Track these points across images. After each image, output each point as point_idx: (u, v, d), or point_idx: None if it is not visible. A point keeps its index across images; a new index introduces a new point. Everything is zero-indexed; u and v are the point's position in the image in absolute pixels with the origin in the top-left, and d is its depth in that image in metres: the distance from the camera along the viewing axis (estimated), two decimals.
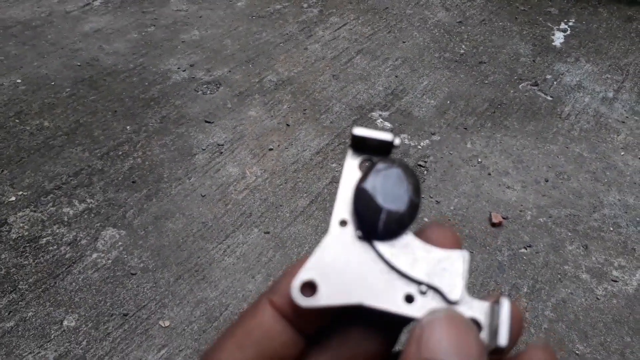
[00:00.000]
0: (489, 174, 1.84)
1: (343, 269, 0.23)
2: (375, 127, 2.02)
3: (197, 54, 2.36)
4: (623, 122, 2.08)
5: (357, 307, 0.23)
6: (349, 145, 0.26)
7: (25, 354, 1.30)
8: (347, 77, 2.27)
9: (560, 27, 2.69)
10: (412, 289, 0.23)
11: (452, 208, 1.71)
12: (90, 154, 1.85)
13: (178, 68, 2.27)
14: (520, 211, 1.70)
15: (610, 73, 2.36)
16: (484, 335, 0.22)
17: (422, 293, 0.23)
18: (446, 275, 0.23)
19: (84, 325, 1.37)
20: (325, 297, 0.23)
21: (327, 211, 1.69)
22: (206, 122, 2.00)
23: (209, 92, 2.15)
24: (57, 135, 1.91)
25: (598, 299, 1.46)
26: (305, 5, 2.77)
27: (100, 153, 1.85)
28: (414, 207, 0.24)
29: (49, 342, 1.33)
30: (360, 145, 0.26)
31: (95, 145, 1.88)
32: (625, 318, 1.41)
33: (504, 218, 1.67)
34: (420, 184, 0.25)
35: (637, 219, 1.69)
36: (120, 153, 1.86)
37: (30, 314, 1.38)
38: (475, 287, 1.48)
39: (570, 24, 2.71)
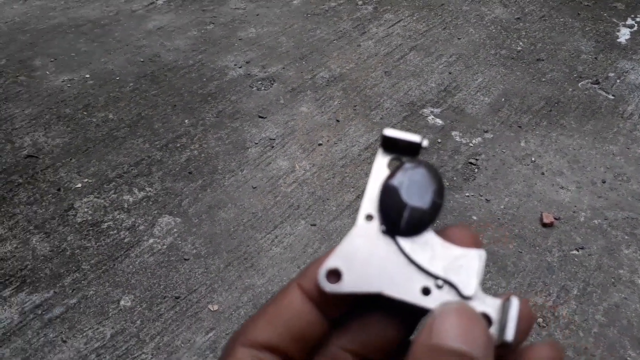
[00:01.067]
0: (543, 174, 1.79)
1: (366, 260, 0.25)
2: (427, 124, 2.01)
3: (253, 51, 2.43)
4: None
5: (377, 296, 0.25)
6: (379, 144, 0.28)
7: (86, 329, 1.40)
8: (399, 74, 2.27)
9: (627, 22, 2.57)
10: (429, 283, 0.25)
11: (502, 207, 1.69)
12: (151, 145, 1.95)
13: (235, 65, 2.35)
14: (574, 212, 1.65)
15: None
16: (493, 329, 0.24)
17: (439, 287, 0.25)
18: (462, 271, 0.25)
19: (138, 306, 1.45)
20: (348, 285, 0.25)
21: None
22: (259, 117, 2.05)
23: (263, 88, 2.21)
24: (121, 127, 2.02)
25: None
26: (360, 3, 2.79)
27: (159, 145, 1.95)
28: (436, 208, 0.25)
29: (107, 319, 1.42)
30: (390, 145, 0.27)
31: (155, 137, 1.98)
32: None
33: (555, 219, 1.63)
34: (444, 185, 0.26)
35: None
36: (178, 145, 1.94)
37: (91, 292, 1.48)
38: (523, 286, 1.46)
39: (638, 19, 2.59)
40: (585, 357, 1.30)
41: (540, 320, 1.38)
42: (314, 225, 1.66)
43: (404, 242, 0.25)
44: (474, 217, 1.66)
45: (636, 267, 1.49)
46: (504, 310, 0.23)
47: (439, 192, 0.26)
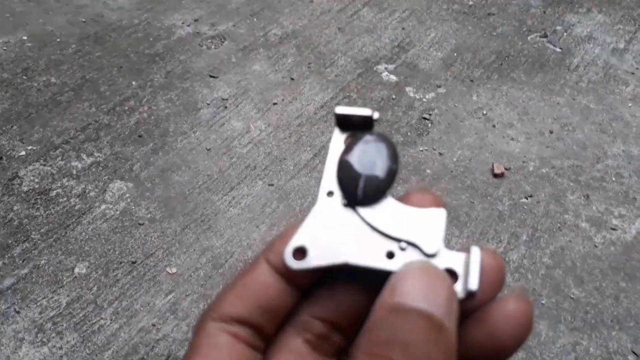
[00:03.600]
0: (494, 126, 1.83)
1: (330, 234, 0.26)
2: (381, 80, 2.01)
3: (201, 9, 2.35)
4: (633, 73, 2.05)
5: (344, 266, 0.25)
6: (334, 124, 0.28)
7: (40, 298, 1.36)
8: (353, 30, 2.25)
9: None
10: (393, 246, 0.25)
11: (455, 160, 1.72)
12: (97, 109, 1.87)
13: (182, 23, 2.27)
14: (523, 162, 1.71)
15: (623, 24, 2.30)
16: (459, 284, 0.23)
17: (402, 249, 0.25)
18: (424, 231, 0.25)
19: (94, 273, 1.42)
20: (314, 260, 0.25)
21: None
22: (211, 76, 2.00)
23: (213, 46, 2.15)
24: (64, 91, 1.93)
25: (596, 246, 1.48)
26: None
27: (106, 108, 1.88)
28: (391, 174, 0.26)
29: (61, 287, 1.39)
30: (344, 123, 0.28)
31: (102, 101, 1.90)
32: (621, 264, 1.43)
33: (506, 169, 1.68)
34: (397, 152, 0.27)
35: None
36: (127, 108, 1.88)
37: (43, 261, 1.44)
38: (475, 235, 1.51)
39: None
40: (534, 298, 1.37)
41: None
42: (272, 185, 1.65)
43: (364, 211, 0.26)
44: (428, 171, 1.69)
45: (580, 212, 1.56)
46: (469, 262, 0.24)
47: (393, 159, 0.26)
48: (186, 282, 1.41)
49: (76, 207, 1.57)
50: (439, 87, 1.99)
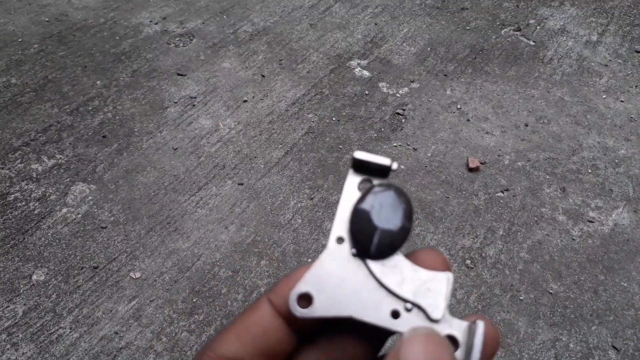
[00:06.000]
0: (468, 120, 1.80)
1: (337, 284, 0.25)
2: (354, 76, 1.97)
3: (170, 7, 2.28)
4: (606, 65, 2.03)
5: (348, 319, 0.25)
6: (350, 165, 0.28)
7: None
8: (325, 26, 2.20)
9: None
10: (399, 306, 0.25)
11: (429, 155, 1.68)
12: (60, 109, 1.80)
13: (150, 21, 2.20)
14: (499, 156, 1.68)
15: (595, 16, 2.29)
16: (460, 352, 0.24)
17: (407, 310, 0.25)
18: (430, 295, 0.25)
19: (53, 279, 1.35)
20: (319, 309, 0.25)
21: (302, 162, 1.66)
22: (178, 74, 1.94)
23: (181, 44, 2.08)
24: (25, 92, 1.86)
25: (574, 239, 1.44)
26: None
27: (69, 109, 1.80)
28: (405, 231, 0.26)
29: (18, 296, 1.31)
30: (360, 167, 0.27)
31: (65, 101, 1.83)
32: (599, 257, 1.40)
33: (481, 163, 1.64)
34: (413, 208, 0.27)
35: (616, 160, 1.66)
36: (90, 108, 1.81)
37: None
38: (450, 230, 1.47)
39: None
40: (511, 294, 1.33)
41: (468, 262, 1.40)
42: (241, 184, 1.59)
43: (374, 265, 0.26)
44: (402, 167, 1.65)
45: (557, 205, 1.53)
46: (470, 333, 0.24)
47: (408, 216, 0.26)
48: (151, 286, 1.34)
49: (35, 212, 1.50)
50: (413, 82, 1.95)
